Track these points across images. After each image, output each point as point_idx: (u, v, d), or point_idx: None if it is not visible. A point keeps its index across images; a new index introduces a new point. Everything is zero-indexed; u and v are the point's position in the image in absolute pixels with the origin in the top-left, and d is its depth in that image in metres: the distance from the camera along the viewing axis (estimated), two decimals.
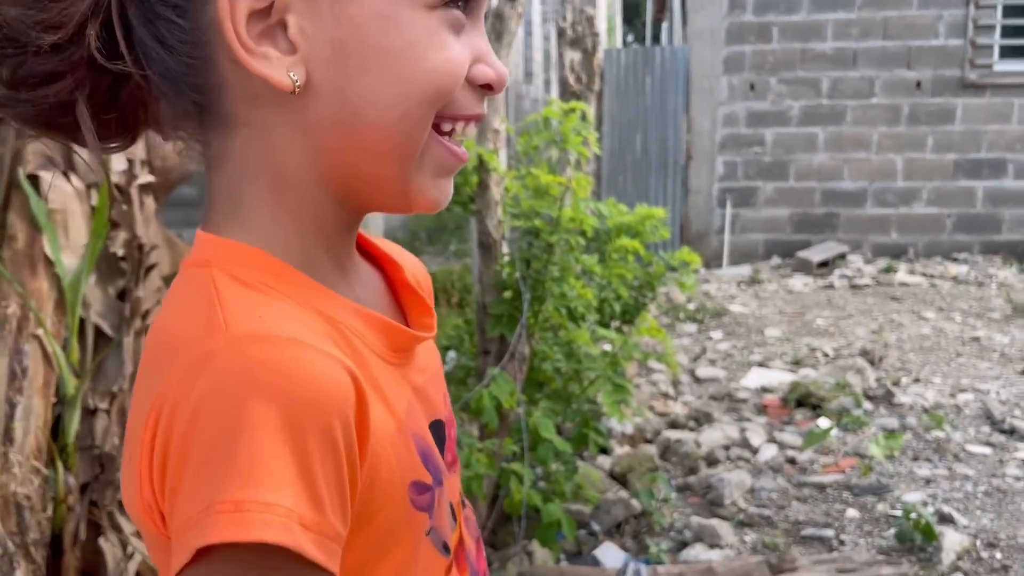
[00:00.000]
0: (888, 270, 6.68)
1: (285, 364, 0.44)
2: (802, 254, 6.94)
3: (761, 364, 4.48)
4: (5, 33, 0.47)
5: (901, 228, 7.12)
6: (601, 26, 21.50)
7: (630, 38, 34.18)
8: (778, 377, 4.14)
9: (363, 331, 0.54)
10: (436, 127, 0.52)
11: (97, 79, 0.50)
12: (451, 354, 4.37)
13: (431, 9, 0.49)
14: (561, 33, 4.53)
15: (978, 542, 2.39)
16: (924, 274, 6.59)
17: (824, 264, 6.88)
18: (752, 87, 7.10)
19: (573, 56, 4.51)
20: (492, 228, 2.90)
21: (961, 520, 2.51)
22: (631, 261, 4.70)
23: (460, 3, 0.51)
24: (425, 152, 0.52)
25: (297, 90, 0.49)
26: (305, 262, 0.52)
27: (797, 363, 4.43)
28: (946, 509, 2.56)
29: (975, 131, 6.90)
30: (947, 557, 2.28)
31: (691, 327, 5.49)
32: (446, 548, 0.57)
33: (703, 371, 4.36)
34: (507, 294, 2.91)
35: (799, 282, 6.57)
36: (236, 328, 0.45)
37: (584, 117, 3.15)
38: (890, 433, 3.09)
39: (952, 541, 2.32)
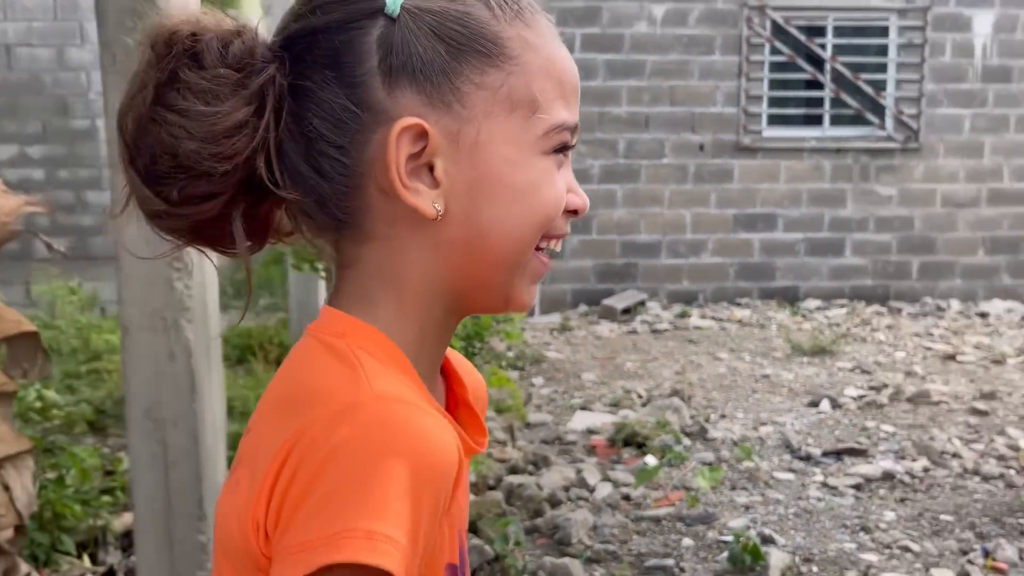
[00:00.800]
0: (683, 315, 7.27)
1: (419, 428, 0.51)
2: (607, 302, 7.40)
3: (583, 407, 4.73)
4: (180, 162, 0.54)
5: (691, 276, 7.79)
6: None
7: None
8: (601, 419, 4.40)
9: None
10: (537, 245, 0.61)
11: (246, 197, 0.56)
12: None
13: (546, 155, 0.58)
14: None
15: (797, 558, 2.68)
16: (714, 318, 7.24)
17: (627, 311, 7.37)
18: None
19: None
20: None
21: (780, 540, 2.81)
22: None
23: (563, 151, 0.61)
24: (527, 264, 0.61)
25: (439, 218, 0.56)
26: (414, 357, 0.59)
27: (615, 404, 4.73)
28: (766, 531, 2.86)
29: (750, 189, 7.73)
30: (773, 574, 2.54)
31: (514, 374, 5.68)
32: None
33: (532, 416, 4.53)
34: None
35: (605, 328, 6.99)
36: (379, 388, 0.51)
37: None
38: (712, 466, 3.39)
39: (777, 559, 2.60)
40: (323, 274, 3.54)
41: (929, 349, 6.07)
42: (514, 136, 0.58)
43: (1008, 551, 2.72)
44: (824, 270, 7.86)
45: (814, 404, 4.49)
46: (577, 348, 6.40)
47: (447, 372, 0.69)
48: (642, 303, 7.57)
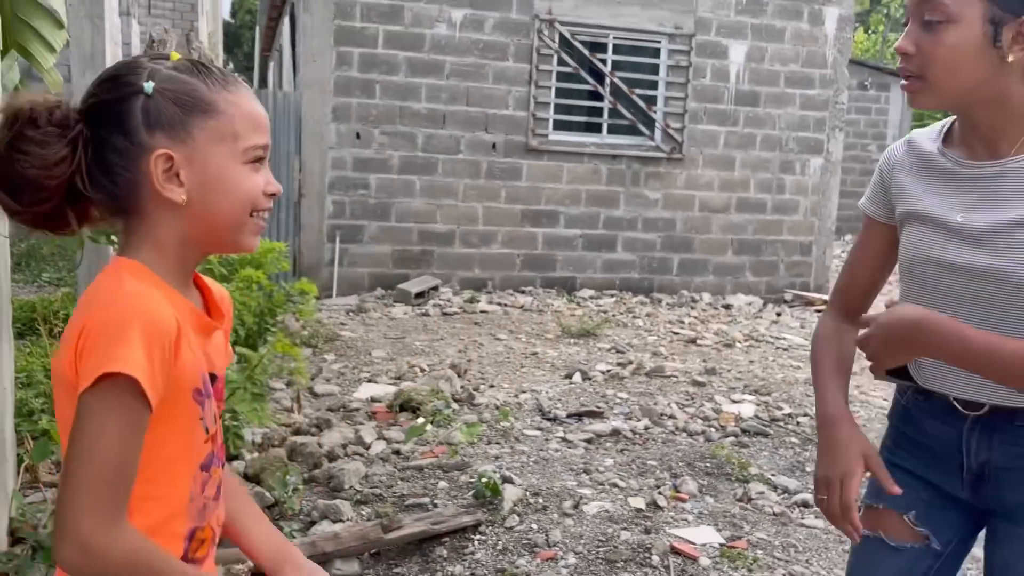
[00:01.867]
0: (472, 300, 7.88)
1: (146, 306, 0.96)
2: (402, 286, 7.87)
3: (370, 380, 5.17)
4: (28, 182, 0.97)
5: (482, 265, 8.42)
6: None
7: (231, 66, 33.53)
8: (384, 389, 4.86)
9: (188, 314, 1.05)
10: (250, 214, 1.06)
11: (68, 197, 0.99)
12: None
13: (245, 164, 1.04)
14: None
15: (527, 493, 3.29)
16: (499, 303, 7.91)
17: (421, 295, 7.87)
18: (358, 136, 7.91)
19: None
20: None
21: (517, 480, 3.41)
22: (254, 290, 5.13)
23: (258, 161, 1.05)
24: (245, 225, 1.06)
25: (184, 203, 1.00)
26: (169, 277, 1.03)
27: (399, 378, 5.21)
28: (508, 474, 3.44)
29: (536, 187, 8.47)
30: (507, 505, 3.12)
31: (307, 351, 6.00)
32: (207, 431, 1.09)
33: (320, 388, 4.92)
34: None
35: (400, 311, 7.46)
36: (127, 289, 0.96)
37: None
38: (471, 424, 3.95)
39: (511, 493, 3.18)
40: (115, 245, 3.75)
41: (677, 334, 7.03)
42: (224, 155, 1.03)
43: (691, 485, 3.47)
44: (598, 263, 8.75)
45: (568, 376, 5.20)
46: (371, 328, 6.81)
47: (201, 287, 1.13)
48: (435, 288, 8.10)
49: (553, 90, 8.41)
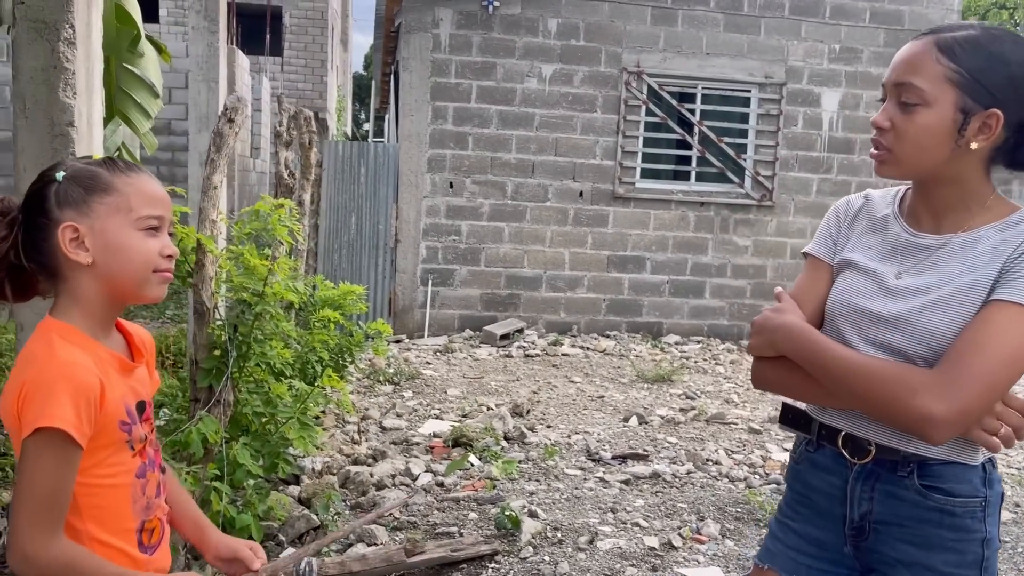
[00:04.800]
0: (556, 343, 8.10)
1: (73, 368, 1.26)
2: (488, 328, 8.19)
3: (437, 416, 5.48)
4: None
5: (568, 309, 8.64)
6: (330, 105, 22.09)
7: (363, 116, 35.40)
8: (447, 426, 5.15)
9: (110, 360, 1.35)
10: (152, 271, 1.36)
11: (14, 271, 1.33)
12: (164, 411, 4.91)
13: (140, 231, 1.34)
14: (277, 135, 5.35)
15: (547, 527, 3.46)
16: (582, 347, 8.09)
17: (506, 337, 8.17)
18: (451, 185, 8.36)
19: (287, 155, 5.34)
20: (206, 298, 3.61)
21: (543, 515, 3.59)
22: (332, 329, 5.56)
23: (152, 228, 1.35)
24: (147, 282, 1.36)
25: (90, 265, 1.31)
26: (90, 331, 1.34)
27: (465, 415, 5.48)
28: (535, 509, 3.64)
29: (623, 234, 8.64)
30: (524, 537, 3.32)
31: (388, 388, 6.39)
32: (132, 447, 1.38)
33: (389, 422, 5.26)
34: (216, 352, 3.60)
35: (484, 352, 7.76)
36: (59, 355, 1.27)
37: (291, 212, 4.01)
38: (508, 461, 4.16)
39: (529, 526, 3.37)
40: None
41: None
42: (120, 224, 1.32)
43: (712, 528, 3.54)
44: (685, 309, 8.80)
45: (626, 420, 5.33)
46: (453, 368, 7.14)
47: (124, 332, 1.44)
48: (520, 330, 8.38)
49: (641, 139, 8.61)
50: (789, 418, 1.55)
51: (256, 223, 3.96)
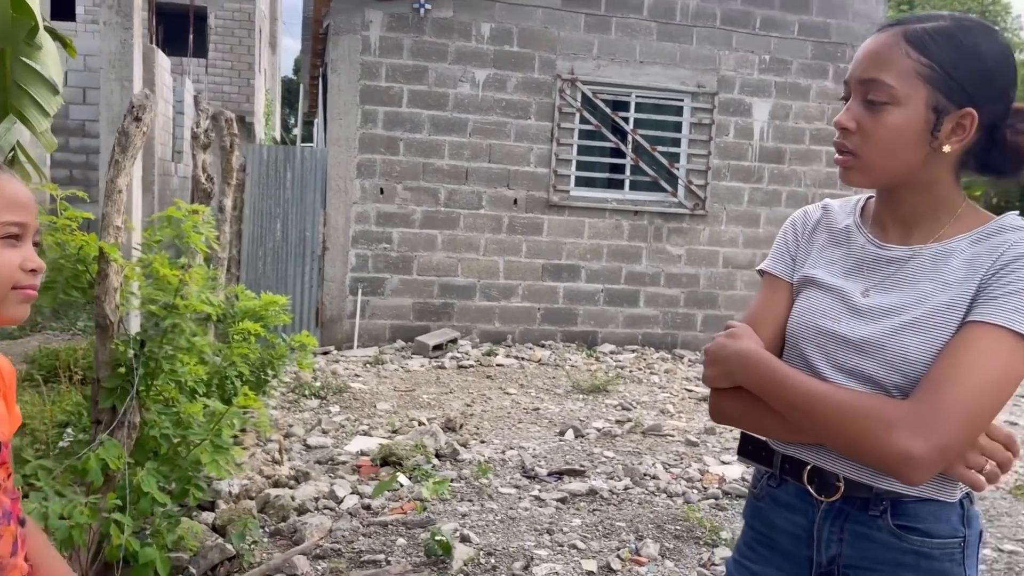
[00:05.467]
0: (490, 353, 7.92)
1: None
2: (420, 338, 7.97)
3: (365, 433, 5.23)
4: None
5: (502, 318, 8.48)
6: (258, 109, 21.53)
7: (292, 121, 34.73)
8: (376, 443, 4.91)
9: None
10: (14, 288, 1.14)
11: None
12: (68, 431, 4.55)
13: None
14: (195, 137, 5.05)
15: (481, 553, 3.28)
16: (517, 357, 7.93)
17: (439, 347, 7.95)
18: (382, 191, 8.12)
19: (205, 158, 5.04)
20: (109, 311, 3.32)
21: (476, 539, 3.40)
22: (253, 342, 5.26)
23: (12, 237, 1.13)
24: (4, 301, 1.13)
25: None
26: None
27: (395, 431, 5.26)
28: (468, 532, 3.44)
29: (557, 242, 8.53)
30: (456, 564, 3.12)
31: (314, 402, 6.11)
32: None
33: (313, 439, 5.00)
34: (121, 370, 3.31)
35: (416, 363, 7.54)
36: None
37: (207, 218, 3.74)
38: (438, 481, 3.96)
39: (461, 552, 3.18)
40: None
41: (691, 391, 6.93)
42: None
43: (652, 548, 3.41)
44: (620, 318, 8.73)
45: (561, 433, 5.18)
46: (383, 381, 6.90)
47: None
48: (454, 340, 8.18)
49: (575, 147, 8.52)
50: (748, 449, 1.40)
51: (168, 230, 3.68)
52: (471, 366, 7.54)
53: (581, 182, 8.63)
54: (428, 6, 8.06)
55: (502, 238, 8.43)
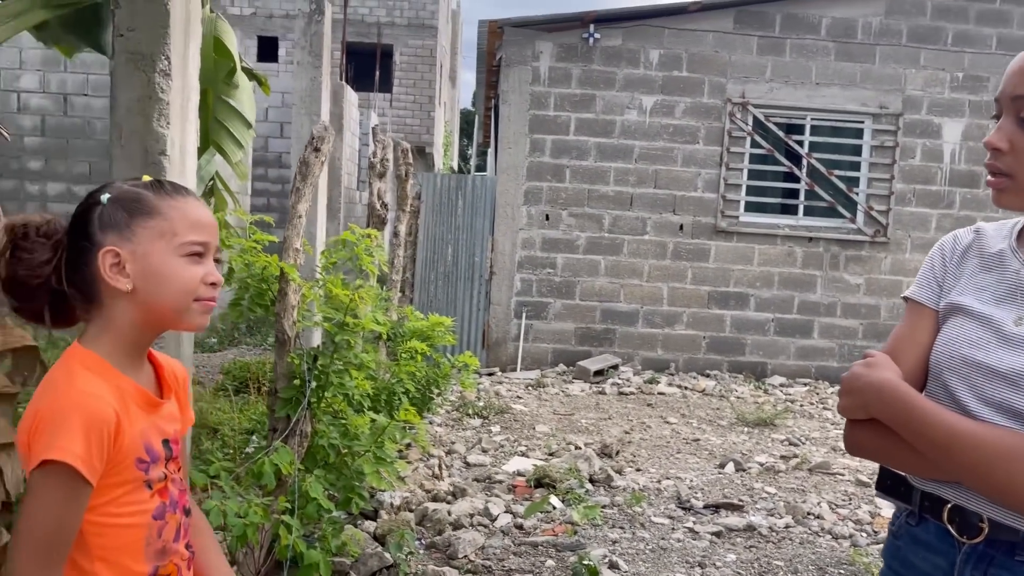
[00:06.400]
0: (652, 381, 7.83)
1: (87, 400, 1.18)
2: (582, 363, 8.00)
3: (523, 454, 5.32)
4: (20, 282, 1.24)
5: (665, 346, 8.36)
6: (437, 140, 22.52)
7: (470, 151, 36.02)
8: (532, 464, 4.98)
9: (133, 394, 1.27)
10: (194, 300, 1.28)
11: (57, 298, 1.26)
12: (254, 438, 4.93)
13: (183, 257, 1.26)
14: (371, 167, 5.38)
15: None
16: (680, 386, 7.78)
17: (600, 373, 7.95)
18: (547, 217, 8.26)
19: (380, 185, 5.35)
20: (287, 327, 3.59)
21: (624, 567, 3.37)
22: (420, 361, 5.50)
23: (196, 254, 1.27)
24: (188, 310, 1.27)
25: (130, 291, 1.24)
26: (117, 362, 1.26)
27: (552, 454, 5.30)
28: (617, 560, 3.42)
29: (725, 269, 8.32)
30: None
31: (476, 422, 6.28)
32: (150, 487, 1.29)
33: (473, 457, 5.13)
34: (296, 382, 3.57)
35: (577, 387, 7.57)
36: (77, 385, 1.19)
37: (378, 242, 3.99)
38: (590, 506, 3.96)
39: None
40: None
41: None
42: (162, 250, 1.25)
43: None
44: (792, 349, 8.36)
45: (721, 466, 5.03)
46: (544, 404, 6.98)
47: (155, 364, 1.36)
48: (615, 367, 8.14)
49: (745, 172, 8.31)
50: (887, 484, 1.32)
51: (343, 252, 3.94)
52: (632, 393, 7.48)
53: (751, 207, 8.39)
54: (597, 35, 8.16)
55: (667, 264, 8.33)
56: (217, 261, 1.33)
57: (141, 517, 1.27)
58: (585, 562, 3.22)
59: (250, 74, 4.52)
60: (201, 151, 4.12)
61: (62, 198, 8.37)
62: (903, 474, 1.30)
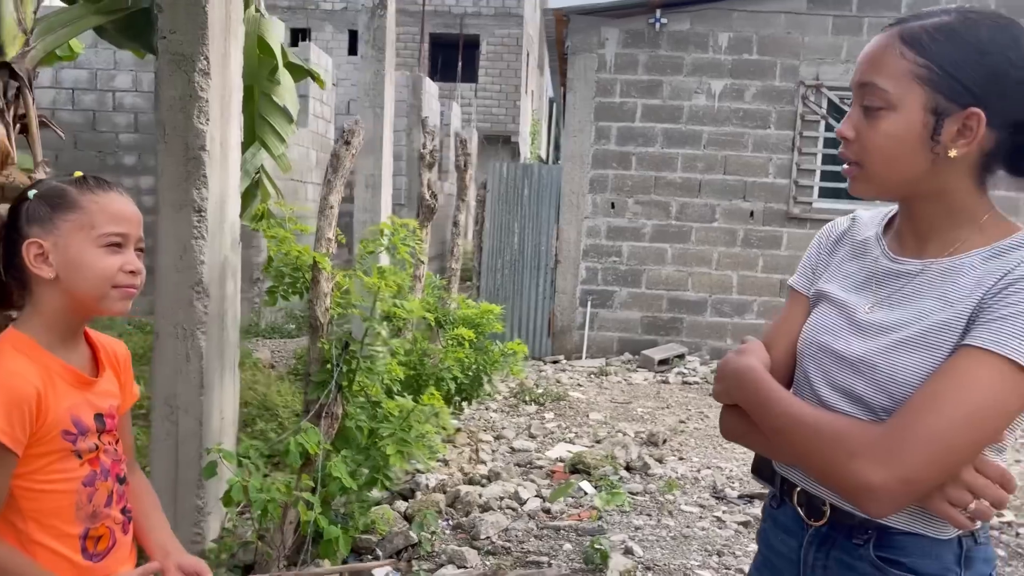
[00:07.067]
0: None
1: (11, 380, 1.31)
2: (647, 352, 7.95)
3: (571, 441, 5.36)
4: None
5: (735, 335, 8.21)
6: (523, 129, 22.57)
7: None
8: (574, 450, 5.02)
9: (62, 372, 1.40)
10: (113, 287, 1.40)
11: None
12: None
13: (100, 248, 1.37)
14: (420, 157, 5.50)
15: (640, 566, 3.26)
16: None
17: (665, 362, 7.89)
18: (613, 205, 8.23)
19: (429, 176, 5.48)
20: (320, 313, 3.74)
21: (639, 552, 3.39)
22: (467, 348, 5.60)
23: (115, 245, 1.38)
24: (106, 297, 1.39)
25: (54, 279, 1.37)
26: (47, 342, 1.39)
27: (598, 441, 5.33)
28: (633, 545, 3.44)
29: (797, 256, 8.09)
30: (611, 573, 3.14)
31: (532, 408, 6.35)
32: (80, 456, 1.41)
33: (519, 443, 5.21)
34: (328, 366, 3.73)
35: (640, 376, 7.54)
36: (4, 363, 1.33)
37: (414, 232, 4.12)
38: (614, 493, 3.97)
39: (618, 563, 3.19)
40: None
41: None
42: (82, 241, 1.37)
43: None
44: None
45: None
46: (603, 391, 6.99)
47: (92, 345, 1.48)
48: (681, 356, 8.06)
49: (819, 156, 8.05)
50: (758, 468, 1.34)
51: (377, 242, 4.07)
52: (696, 383, 7.40)
53: (826, 193, 8.13)
54: (664, 20, 8.06)
55: (736, 252, 8.17)
56: (140, 251, 1.45)
57: (70, 484, 1.41)
58: (596, 546, 3.25)
59: (303, 70, 4.70)
60: (246, 145, 4.32)
61: (154, 191, 8.88)
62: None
